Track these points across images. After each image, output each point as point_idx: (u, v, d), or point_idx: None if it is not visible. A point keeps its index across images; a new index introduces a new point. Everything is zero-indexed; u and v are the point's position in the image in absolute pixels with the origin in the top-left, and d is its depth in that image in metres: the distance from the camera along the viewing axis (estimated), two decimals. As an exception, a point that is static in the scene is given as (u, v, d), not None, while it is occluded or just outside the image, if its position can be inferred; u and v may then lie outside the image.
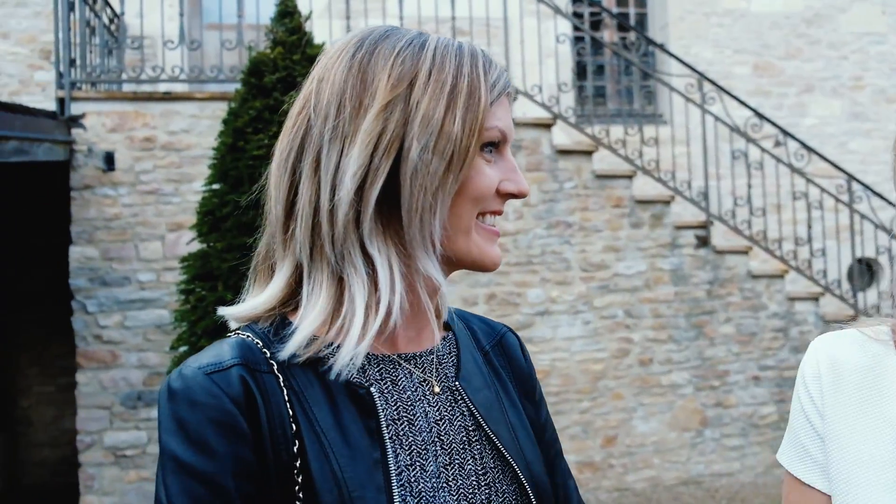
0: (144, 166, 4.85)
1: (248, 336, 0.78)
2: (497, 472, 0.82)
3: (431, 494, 0.76)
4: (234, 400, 0.71)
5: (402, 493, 0.75)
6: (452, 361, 0.86)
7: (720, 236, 5.82)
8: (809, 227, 5.82)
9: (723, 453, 5.40)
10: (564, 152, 5.41)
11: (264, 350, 0.76)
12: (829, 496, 0.89)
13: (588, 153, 5.47)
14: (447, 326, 0.90)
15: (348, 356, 0.75)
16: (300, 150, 0.79)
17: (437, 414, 0.81)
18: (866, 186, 5.88)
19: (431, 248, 0.77)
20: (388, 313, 0.76)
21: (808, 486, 0.91)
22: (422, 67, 0.77)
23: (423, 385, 0.82)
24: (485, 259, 0.82)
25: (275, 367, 0.75)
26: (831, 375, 0.90)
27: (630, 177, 5.50)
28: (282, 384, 0.74)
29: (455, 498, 0.78)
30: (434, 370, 0.84)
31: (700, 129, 5.79)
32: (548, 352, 5.14)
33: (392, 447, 0.76)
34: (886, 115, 7.56)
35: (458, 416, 0.82)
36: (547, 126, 5.41)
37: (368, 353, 0.78)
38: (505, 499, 0.82)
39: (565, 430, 5.11)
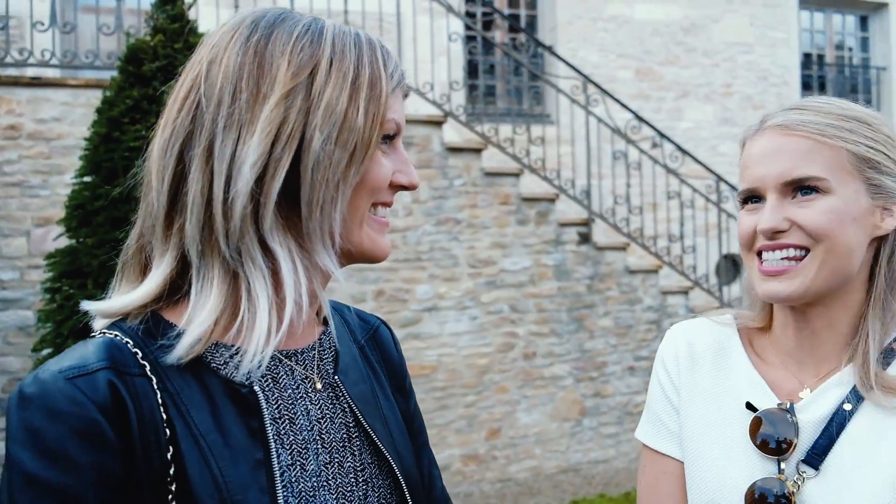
0: (8, 156, 4.55)
1: (117, 335, 0.73)
2: (374, 467, 0.83)
3: (311, 494, 0.76)
4: (101, 407, 0.67)
5: (285, 493, 0.73)
6: (331, 356, 0.86)
7: (601, 233, 6.08)
8: (682, 224, 6.18)
9: (600, 441, 5.67)
10: (455, 150, 5.49)
11: (135, 350, 0.72)
12: (682, 462, 1.02)
13: (477, 151, 5.58)
14: (324, 320, 0.89)
15: (256, 358, 0.73)
16: (188, 137, 0.74)
17: (318, 412, 0.80)
18: (733, 187, 6.29)
19: (330, 242, 0.76)
20: (294, 310, 0.75)
21: (664, 454, 1.05)
22: (322, 55, 0.76)
23: (304, 382, 0.81)
24: (376, 250, 0.82)
25: (147, 369, 0.71)
26: (687, 355, 1.05)
27: (517, 175, 5.65)
28: (155, 387, 0.71)
29: (335, 497, 0.78)
30: (315, 367, 0.83)
31: (584, 129, 6.02)
32: (435, 347, 5.22)
33: (274, 447, 0.74)
34: (752, 120, 8.10)
35: (338, 413, 0.82)
36: (438, 123, 5.47)
37: None
38: (381, 493, 0.83)
39: (451, 425, 5.21)
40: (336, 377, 0.85)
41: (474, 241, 5.42)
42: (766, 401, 0.97)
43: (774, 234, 0.94)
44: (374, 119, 0.76)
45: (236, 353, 0.74)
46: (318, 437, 0.79)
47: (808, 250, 0.93)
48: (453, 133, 6.01)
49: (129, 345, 0.72)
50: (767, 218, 0.94)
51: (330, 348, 0.87)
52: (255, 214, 0.73)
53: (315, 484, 0.77)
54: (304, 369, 0.82)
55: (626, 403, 5.81)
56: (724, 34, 8.15)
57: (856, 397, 0.93)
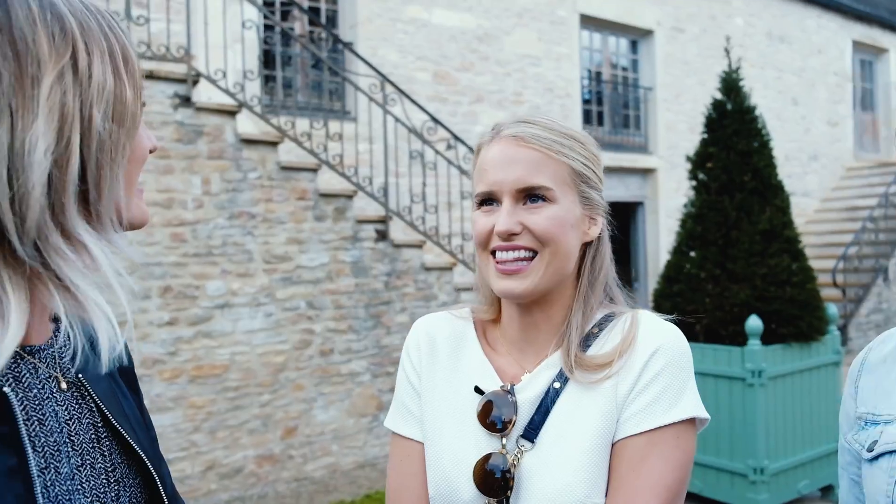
0: None
1: None
2: (124, 467, 0.82)
3: (67, 498, 0.73)
4: None
5: (44, 500, 0.70)
6: (69, 354, 0.82)
7: (398, 231, 6.19)
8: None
9: (396, 434, 5.78)
10: (249, 142, 5.29)
11: None
12: (423, 444, 1.11)
13: (274, 144, 5.42)
14: (54, 316, 0.84)
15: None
16: None
17: (66, 413, 0.77)
18: (521, 189, 6.72)
19: (118, 220, 0.75)
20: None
21: (407, 438, 1.12)
22: (73, 30, 0.70)
23: (49, 381, 0.76)
24: (144, 217, 0.82)
25: None
26: (427, 345, 1.15)
27: (315, 170, 5.58)
28: None
29: (89, 500, 0.76)
30: (57, 365, 0.78)
31: (383, 128, 6.10)
32: (228, 346, 4.99)
33: (29, 451, 0.70)
34: (539, 128, 8.72)
35: (86, 414, 0.80)
36: (231, 113, 5.24)
37: None
38: (131, 493, 0.82)
39: (245, 425, 5.02)
40: (79, 376, 0.81)
41: (270, 236, 5.26)
42: (493, 385, 1.08)
43: (509, 235, 1.04)
44: (137, 90, 0.76)
45: (27, 355, 0.70)
46: (67, 440, 0.76)
47: (536, 252, 1.04)
48: (249, 124, 5.80)
49: None
50: (504, 221, 1.03)
51: (66, 345, 0.83)
52: (52, 205, 0.69)
53: (70, 487, 0.75)
54: (46, 367, 0.78)
55: (422, 396, 5.96)
56: (515, 46, 8.67)
57: (562, 377, 1.05)
